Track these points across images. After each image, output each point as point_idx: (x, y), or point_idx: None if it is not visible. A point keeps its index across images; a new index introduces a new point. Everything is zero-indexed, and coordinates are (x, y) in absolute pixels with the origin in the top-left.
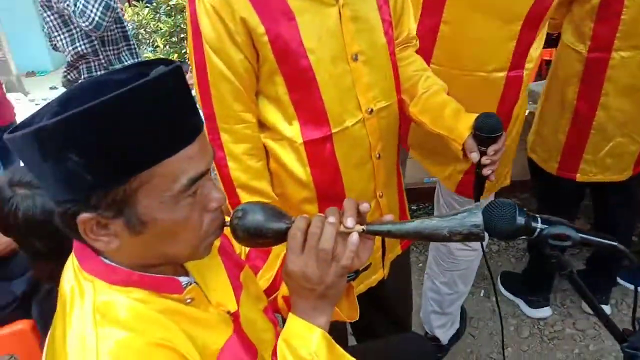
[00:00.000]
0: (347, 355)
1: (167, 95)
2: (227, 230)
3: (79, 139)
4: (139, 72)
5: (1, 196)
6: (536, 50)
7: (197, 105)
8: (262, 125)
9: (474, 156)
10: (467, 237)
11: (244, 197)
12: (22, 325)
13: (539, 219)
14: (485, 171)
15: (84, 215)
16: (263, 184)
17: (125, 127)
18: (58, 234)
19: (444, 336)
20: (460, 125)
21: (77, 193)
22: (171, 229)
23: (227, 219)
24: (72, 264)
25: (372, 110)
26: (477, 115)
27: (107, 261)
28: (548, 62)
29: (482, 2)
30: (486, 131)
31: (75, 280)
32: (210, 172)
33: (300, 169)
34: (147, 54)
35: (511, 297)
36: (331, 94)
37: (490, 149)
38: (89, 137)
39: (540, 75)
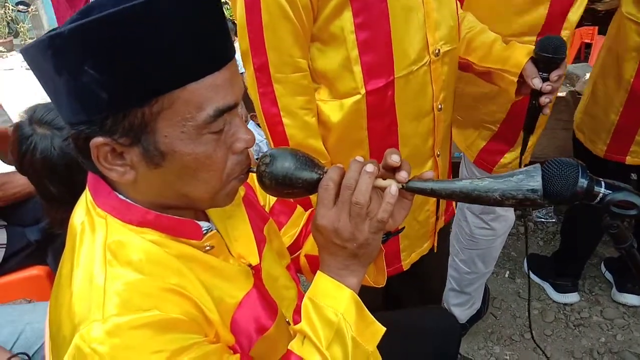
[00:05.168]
0: (377, 323)
1: (195, 11)
2: (251, 180)
3: (96, 49)
4: None
5: (20, 133)
6: (575, 13)
7: (232, 36)
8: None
9: (537, 82)
10: (522, 202)
11: None
12: (37, 271)
13: (602, 183)
14: (544, 99)
15: (98, 139)
16: (319, 142)
17: (146, 41)
18: (73, 179)
19: (461, 315)
20: (516, 53)
21: (92, 113)
22: (191, 164)
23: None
24: (85, 199)
25: (439, 52)
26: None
27: (122, 197)
28: (588, 46)
29: None
30: (551, 51)
31: (86, 215)
32: (238, 108)
33: (357, 124)
34: None
35: (537, 280)
36: (401, 30)
37: (554, 74)
38: (106, 48)
39: (579, 58)
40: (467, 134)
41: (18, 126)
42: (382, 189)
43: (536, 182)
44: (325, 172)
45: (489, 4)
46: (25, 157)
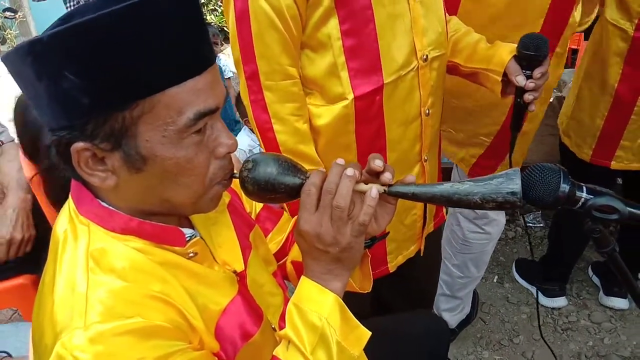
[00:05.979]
0: (362, 327)
1: (175, 17)
2: (237, 186)
3: (76, 55)
4: None
5: (30, 117)
6: (575, 18)
7: (211, 38)
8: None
9: (520, 79)
10: (502, 205)
11: None
12: (22, 280)
13: (584, 188)
14: (528, 97)
15: (79, 145)
16: (310, 148)
17: (125, 46)
18: None
19: (451, 320)
20: (500, 51)
21: (73, 118)
22: (172, 169)
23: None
24: (68, 207)
25: (427, 57)
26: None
27: (105, 204)
28: (575, 52)
29: None
30: (533, 49)
31: (69, 224)
32: (220, 113)
33: (344, 129)
34: None
35: (525, 284)
36: (388, 36)
37: (537, 72)
38: (86, 54)
39: (566, 64)
40: (459, 149)
41: (22, 113)
42: (364, 193)
43: (515, 185)
44: (308, 177)
45: (482, 20)
46: (36, 141)
